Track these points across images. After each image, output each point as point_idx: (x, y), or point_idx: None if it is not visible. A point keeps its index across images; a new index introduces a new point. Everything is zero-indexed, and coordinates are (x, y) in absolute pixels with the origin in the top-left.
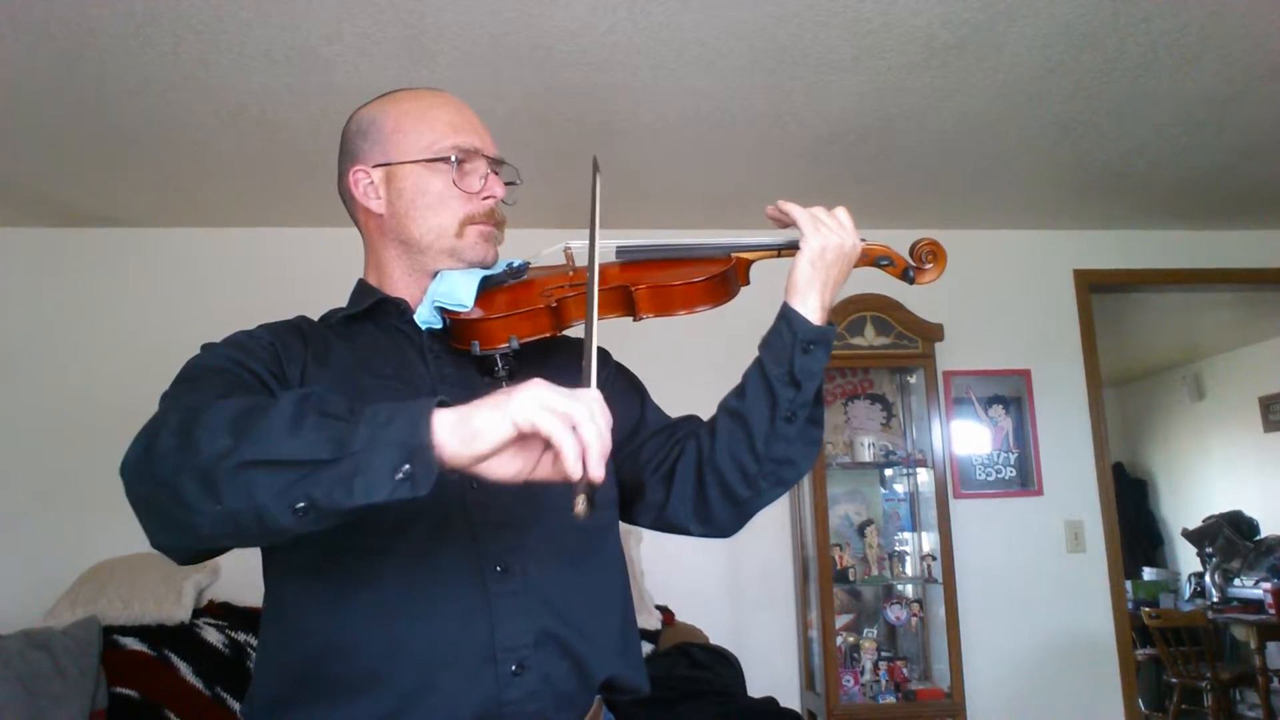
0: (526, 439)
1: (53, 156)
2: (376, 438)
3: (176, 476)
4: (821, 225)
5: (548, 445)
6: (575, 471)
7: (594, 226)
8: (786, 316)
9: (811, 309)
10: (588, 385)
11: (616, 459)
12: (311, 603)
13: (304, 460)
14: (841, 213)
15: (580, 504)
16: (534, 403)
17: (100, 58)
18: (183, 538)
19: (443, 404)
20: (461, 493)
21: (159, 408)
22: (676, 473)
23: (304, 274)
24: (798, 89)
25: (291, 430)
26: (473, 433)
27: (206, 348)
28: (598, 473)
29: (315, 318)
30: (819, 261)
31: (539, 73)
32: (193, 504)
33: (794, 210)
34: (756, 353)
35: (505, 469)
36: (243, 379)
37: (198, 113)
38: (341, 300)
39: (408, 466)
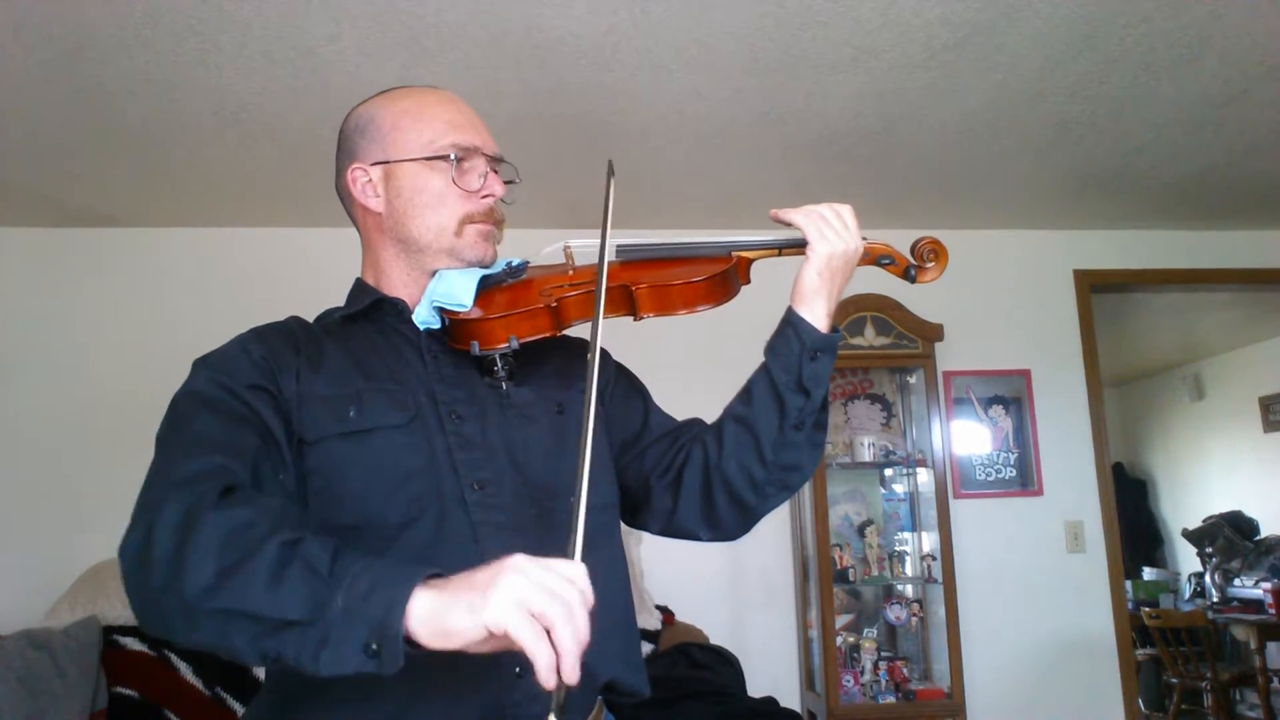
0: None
1: (53, 156)
2: (351, 612)
3: (162, 596)
4: (827, 232)
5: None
6: (548, 683)
7: (604, 235)
8: (793, 323)
9: (818, 315)
10: (571, 547)
11: (620, 463)
12: None
13: (278, 619)
14: (846, 213)
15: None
16: (511, 604)
17: (100, 58)
18: (164, 634)
19: (434, 575)
20: (462, 493)
21: (155, 457)
22: (683, 480)
23: (304, 274)
24: (798, 89)
25: (271, 584)
26: (444, 631)
27: (197, 366)
28: (571, 678)
29: (314, 318)
30: (825, 270)
31: (539, 73)
32: (175, 625)
33: (797, 217)
34: (757, 351)
35: (480, 649)
36: (235, 412)
37: (198, 113)
38: (341, 300)
39: (375, 648)
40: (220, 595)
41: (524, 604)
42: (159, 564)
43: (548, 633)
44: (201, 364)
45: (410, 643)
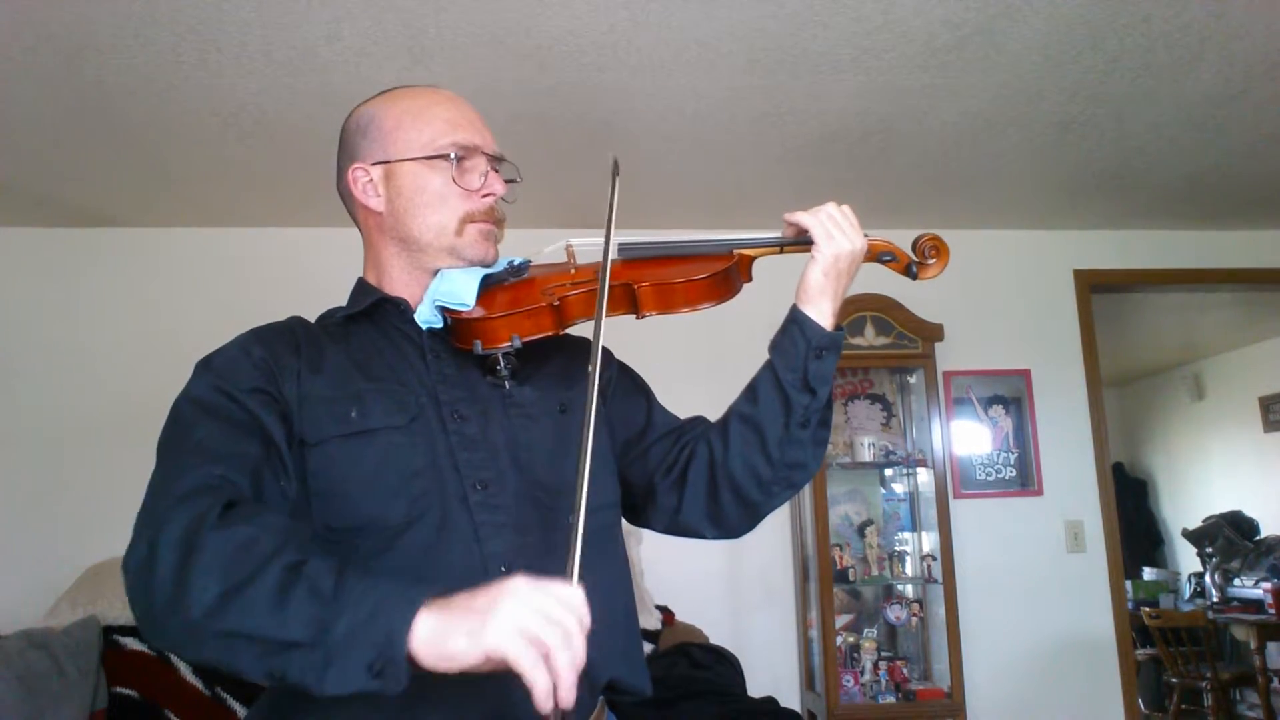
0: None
1: (53, 156)
2: (355, 635)
3: (166, 613)
4: (835, 232)
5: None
6: (544, 707)
7: (609, 233)
8: (798, 322)
9: (824, 314)
10: (569, 568)
11: (623, 462)
12: None
13: (282, 641)
14: (848, 212)
15: None
16: (510, 631)
17: (100, 58)
18: (168, 648)
19: (438, 595)
20: (464, 493)
21: (157, 464)
22: (688, 477)
23: (304, 274)
24: (798, 89)
25: (274, 606)
26: (446, 654)
27: (199, 370)
28: (567, 702)
29: (314, 318)
30: (831, 270)
31: (539, 73)
32: (178, 643)
33: (805, 219)
34: (760, 349)
35: (479, 669)
36: (236, 418)
37: (198, 113)
38: (341, 300)
39: (379, 668)
40: (225, 617)
41: (523, 630)
42: (163, 583)
43: (545, 659)
44: (203, 367)
45: (411, 663)
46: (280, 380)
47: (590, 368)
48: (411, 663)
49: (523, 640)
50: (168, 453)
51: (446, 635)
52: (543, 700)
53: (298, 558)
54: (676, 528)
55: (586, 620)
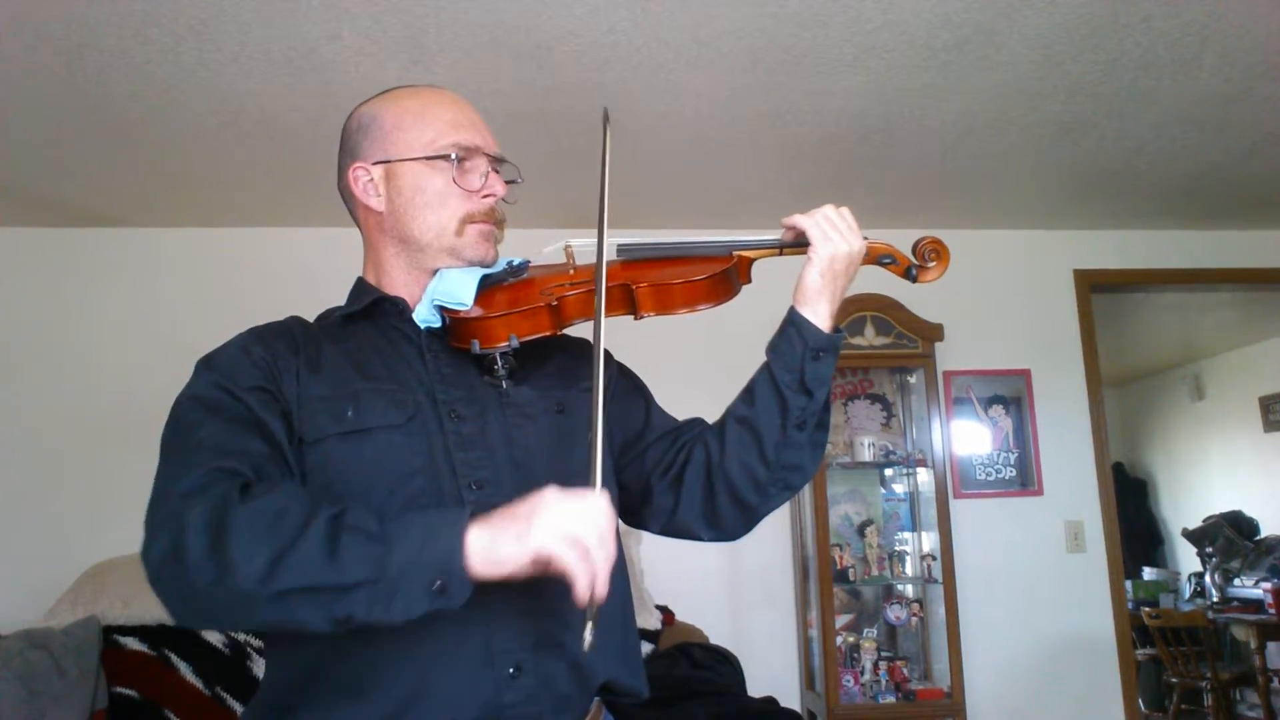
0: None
1: (53, 156)
2: (412, 560)
3: (214, 590)
4: (831, 234)
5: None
6: (583, 598)
7: (603, 184)
8: (796, 323)
9: (821, 316)
10: (592, 478)
11: (620, 463)
12: None
13: (344, 584)
14: (847, 214)
15: (589, 634)
16: (553, 533)
17: (100, 58)
18: (213, 627)
19: (473, 514)
20: (460, 493)
21: (161, 460)
22: (685, 479)
23: (304, 274)
24: (798, 89)
25: (328, 556)
26: (497, 560)
27: (199, 369)
28: (602, 591)
29: (313, 318)
30: (828, 271)
31: (539, 72)
32: (233, 616)
33: (802, 221)
34: (759, 351)
35: (524, 573)
36: (238, 416)
37: (198, 113)
38: (341, 299)
39: (441, 583)
40: (280, 578)
41: (563, 532)
42: (200, 564)
43: (584, 556)
44: (203, 366)
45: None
46: (280, 379)
47: (594, 356)
48: (469, 578)
49: (564, 541)
50: (172, 451)
51: (496, 543)
52: (583, 592)
53: (335, 509)
54: (672, 529)
55: (614, 520)
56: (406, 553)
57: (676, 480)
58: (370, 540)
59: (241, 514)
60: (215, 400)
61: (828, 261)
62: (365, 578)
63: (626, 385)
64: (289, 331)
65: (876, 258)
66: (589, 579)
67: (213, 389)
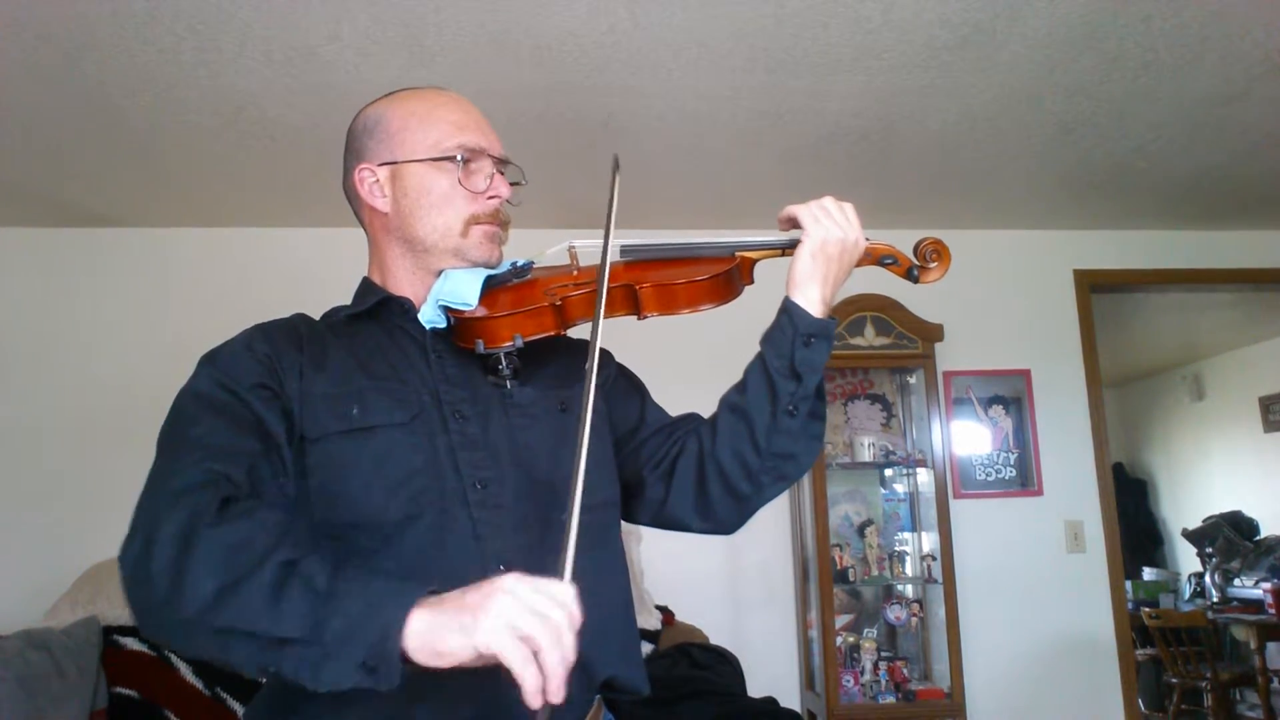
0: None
1: (53, 156)
2: (349, 632)
3: (164, 608)
4: (822, 219)
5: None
6: (534, 703)
7: (608, 232)
8: (787, 309)
9: (812, 301)
10: (562, 577)
11: (617, 459)
12: None
13: (277, 637)
14: (848, 208)
15: None
16: (501, 628)
17: (100, 58)
18: (165, 643)
19: (432, 592)
20: (464, 493)
21: (157, 458)
22: (677, 469)
23: (304, 274)
24: (798, 89)
25: (270, 603)
26: (437, 652)
27: (202, 364)
28: (556, 698)
29: (316, 317)
30: (819, 254)
31: (539, 72)
32: (173, 637)
33: (795, 208)
34: (759, 349)
35: (471, 664)
36: (236, 414)
37: (197, 113)
38: (343, 299)
39: (374, 666)
40: (220, 613)
41: (514, 628)
42: (159, 577)
43: (535, 656)
44: (206, 361)
45: (405, 660)
46: (283, 376)
47: (588, 366)
48: (405, 660)
49: (513, 638)
50: (167, 447)
51: (439, 633)
52: (532, 696)
53: (293, 555)
54: (663, 519)
55: (578, 617)
56: (346, 621)
57: (669, 472)
58: (314, 597)
59: (208, 535)
60: (214, 397)
61: (819, 244)
62: (299, 636)
63: (624, 383)
64: (294, 329)
65: (878, 258)
66: (536, 683)
67: (213, 385)
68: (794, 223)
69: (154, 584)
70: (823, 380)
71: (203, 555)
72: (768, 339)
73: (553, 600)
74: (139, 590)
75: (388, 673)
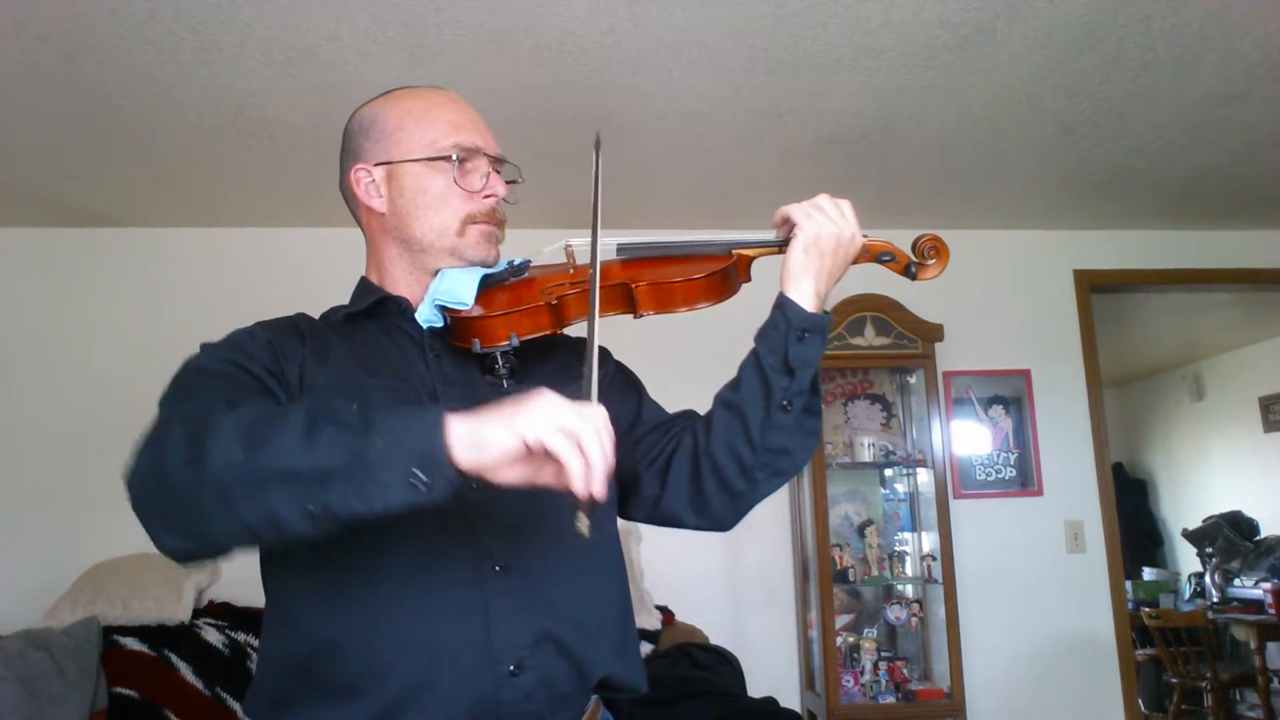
0: (533, 451)
1: (53, 156)
2: (392, 447)
3: (191, 488)
4: (815, 214)
5: (552, 456)
6: (581, 490)
7: (596, 205)
8: (781, 305)
9: (805, 296)
10: (589, 398)
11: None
12: (310, 601)
13: (319, 469)
14: (845, 205)
15: (583, 522)
16: (543, 418)
17: (100, 58)
18: (195, 543)
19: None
20: (461, 492)
21: (158, 414)
22: (672, 465)
23: (304, 274)
24: (798, 89)
25: (305, 441)
26: (481, 443)
27: (205, 348)
28: (600, 490)
29: (315, 317)
30: (812, 248)
31: (539, 72)
32: (209, 513)
33: (788, 207)
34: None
35: (511, 475)
36: (241, 381)
37: (198, 113)
38: (341, 300)
39: (422, 474)
40: (255, 464)
41: (556, 420)
42: (176, 467)
43: (578, 447)
44: (208, 344)
45: (451, 466)
46: (284, 362)
47: (589, 352)
48: (451, 466)
49: (555, 426)
50: (166, 404)
51: (481, 427)
52: (578, 480)
53: (313, 404)
54: (658, 516)
55: (613, 433)
56: (386, 439)
57: (664, 468)
58: (348, 430)
59: (224, 419)
60: (219, 370)
61: (813, 238)
62: (342, 464)
63: (621, 380)
64: (295, 325)
65: (876, 255)
66: (582, 467)
67: (217, 359)
68: (789, 223)
69: (172, 474)
70: (817, 375)
71: (223, 432)
72: (762, 334)
73: (588, 409)
74: (155, 488)
75: (440, 477)
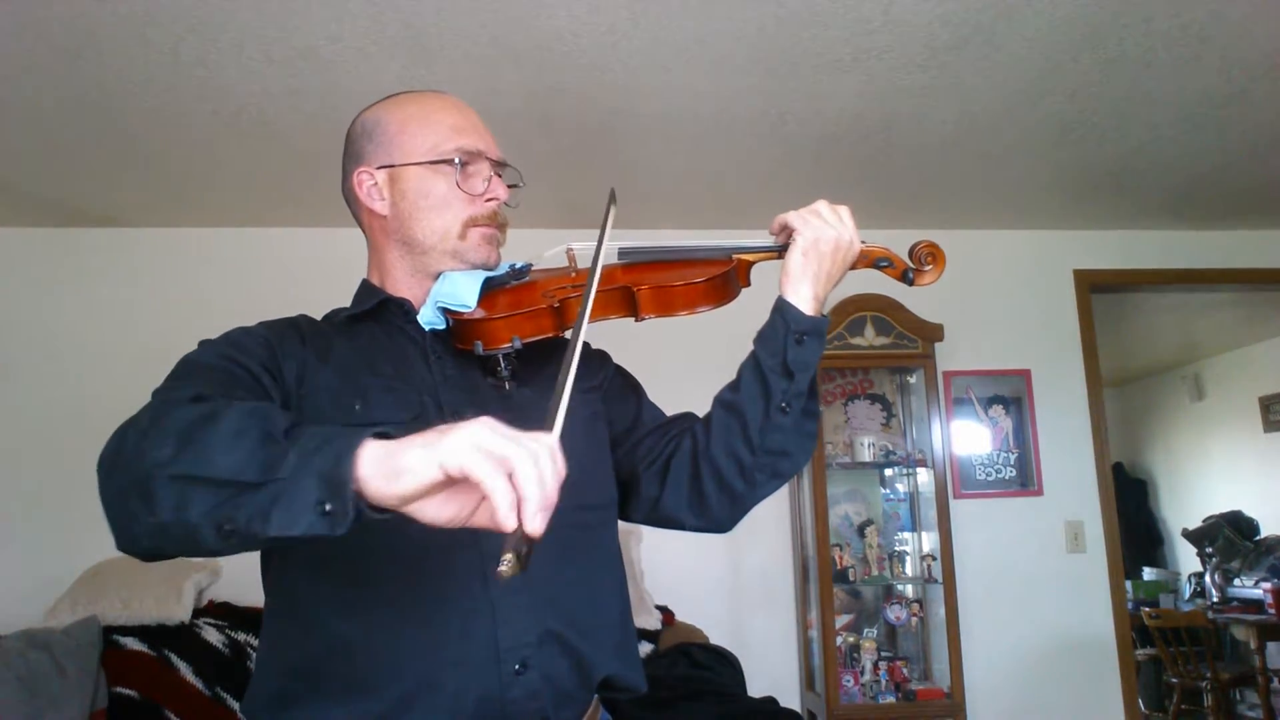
0: (460, 483)
1: (53, 156)
2: (301, 467)
3: (126, 481)
4: (812, 219)
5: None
6: (508, 523)
7: (597, 257)
8: (779, 308)
9: (804, 299)
10: (550, 429)
11: (613, 456)
12: (314, 600)
13: (230, 481)
14: (843, 210)
15: (507, 563)
16: (467, 445)
17: (100, 58)
18: (127, 544)
19: (384, 435)
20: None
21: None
22: (671, 466)
23: (304, 274)
24: (798, 89)
25: (228, 446)
26: (396, 471)
27: (204, 344)
28: (533, 526)
29: (317, 318)
30: (811, 251)
31: (539, 73)
32: (132, 510)
33: (785, 215)
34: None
35: (438, 513)
36: (235, 376)
37: (198, 113)
38: (342, 300)
39: (327, 504)
40: (177, 463)
41: (484, 446)
42: (125, 456)
43: (509, 476)
44: (207, 340)
45: (362, 506)
46: (282, 362)
47: (559, 383)
48: (362, 499)
49: (481, 453)
50: (154, 396)
51: (398, 452)
52: (504, 514)
53: (254, 406)
54: (657, 517)
55: (562, 465)
56: (299, 458)
57: (663, 469)
58: (271, 442)
59: (181, 409)
60: (214, 364)
61: (811, 241)
62: (254, 479)
63: (620, 383)
64: (296, 326)
65: (873, 261)
66: (508, 498)
67: (214, 354)
68: (787, 229)
69: (118, 462)
70: (816, 378)
71: (170, 422)
72: (761, 337)
73: (531, 438)
74: (104, 476)
75: (341, 506)
